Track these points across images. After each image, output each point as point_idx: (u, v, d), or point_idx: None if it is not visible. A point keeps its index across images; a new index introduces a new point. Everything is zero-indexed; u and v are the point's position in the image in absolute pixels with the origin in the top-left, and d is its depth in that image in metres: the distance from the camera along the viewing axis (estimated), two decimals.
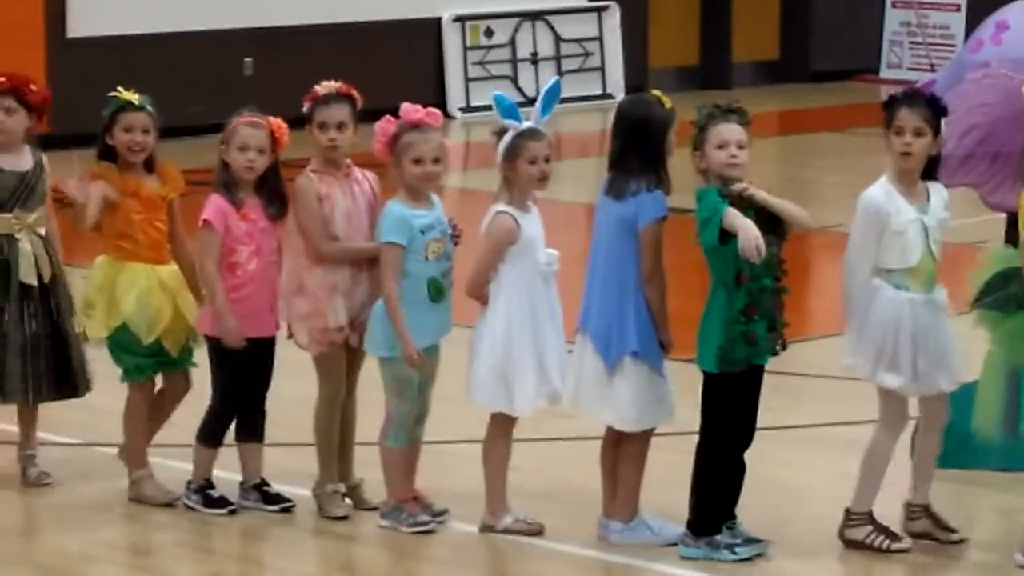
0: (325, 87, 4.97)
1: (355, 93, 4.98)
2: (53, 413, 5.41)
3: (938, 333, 4.66)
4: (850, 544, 4.70)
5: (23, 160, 5.15)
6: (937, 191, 4.66)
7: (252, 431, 4.95)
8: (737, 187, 4.44)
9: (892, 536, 4.79)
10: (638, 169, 4.64)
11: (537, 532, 4.75)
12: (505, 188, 4.76)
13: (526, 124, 4.81)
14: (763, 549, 4.74)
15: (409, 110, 4.85)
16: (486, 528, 4.77)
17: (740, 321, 4.46)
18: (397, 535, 4.85)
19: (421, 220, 4.81)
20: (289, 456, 5.26)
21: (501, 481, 4.78)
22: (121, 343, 4.95)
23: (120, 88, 5.10)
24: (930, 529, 4.73)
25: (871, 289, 4.71)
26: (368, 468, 5.05)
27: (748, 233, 4.43)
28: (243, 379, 4.93)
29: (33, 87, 5.19)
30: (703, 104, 4.81)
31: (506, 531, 4.78)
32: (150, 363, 4.99)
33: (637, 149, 4.70)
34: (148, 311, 4.96)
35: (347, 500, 4.97)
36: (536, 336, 4.77)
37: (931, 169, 4.68)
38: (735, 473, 4.65)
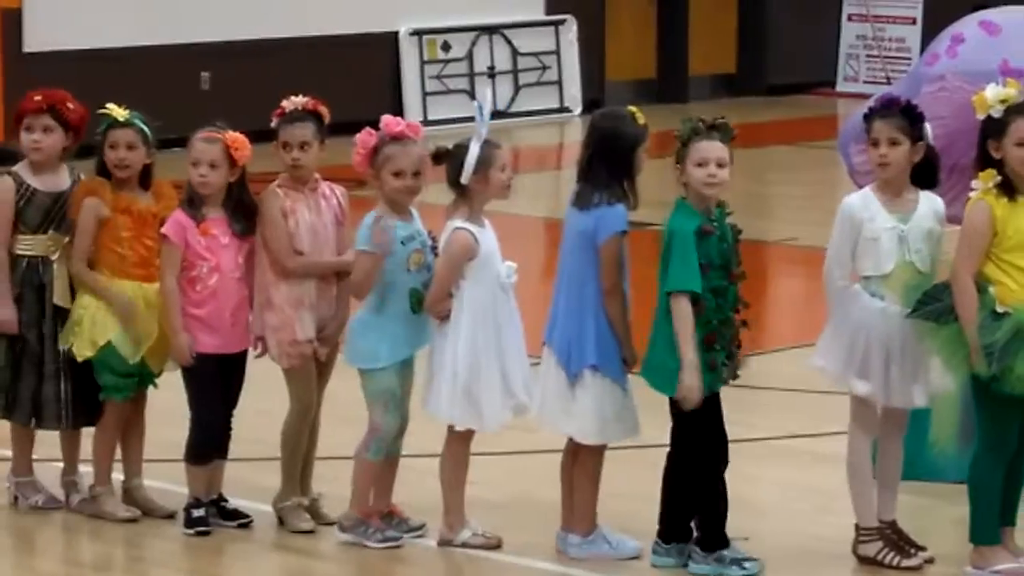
0: (291, 103, 4.98)
1: (322, 109, 4.99)
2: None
3: (915, 345, 4.68)
4: (863, 560, 4.78)
5: (60, 180, 5.08)
6: (928, 201, 4.69)
7: (214, 450, 4.96)
8: None
9: (903, 552, 4.84)
10: (604, 182, 4.68)
11: (495, 546, 4.77)
12: (462, 202, 4.77)
13: (484, 126, 4.85)
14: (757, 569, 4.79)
15: (390, 122, 4.87)
16: (444, 543, 4.79)
17: (702, 348, 4.52)
18: (356, 550, 4.85)
19: (402, 231, 4.85)
20: (245, 470, 5.27)
21: (459, 495, 4.81)
22: (105, 362, 4.93)
23: (110, 104, 5.06)
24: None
25: (848, 294, 4.76)
26: (325, 482, 5.10)
27: (690, 393, 4.53)
28: (211, 395, 4.93)
29: (70, 104, 5.11)
30: (687, 119, 4.85)
31: (464, 545, 4.79)
32: (130, 383, 4.98)
33: (605, 162, 4.74)
34: (134, 332, 4.95)
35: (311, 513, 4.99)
36: (500, 350, 4.80)
37: (930, 177, 4.72)
38: (716, 489, 4.72)
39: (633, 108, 4.95)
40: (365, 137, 4.83)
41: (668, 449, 4.74)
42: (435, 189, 5.04)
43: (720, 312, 4.69)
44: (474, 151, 4.72)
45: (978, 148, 4.67)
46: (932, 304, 4.68)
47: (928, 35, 10.79)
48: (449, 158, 4.79)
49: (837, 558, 4.96)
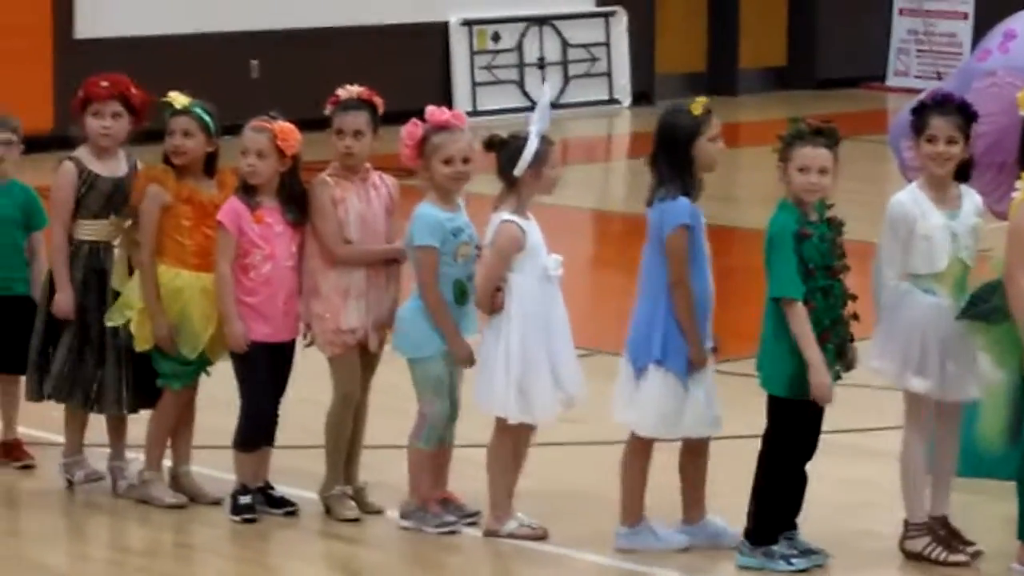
0: (346, 92, 5.08)
1: (376, 99, 5.08)
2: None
3: (967, 340, 4.77)
4: (910, 556, 4.84)
5: (119, 166, 5.21)
6: (970, 196, 4.76)
7: (263, 437, 5.08)
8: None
9: (951, 548, 4.88)
10: (667, 176, 4.79)
11: (541, 537, 4.84)
12: (510, 194, 4.85)
13: (539, 125, 4.95)
14: (821, 560, 4.84)
15: (435, 112, 4.97)
16: (490, 533, 4.87)
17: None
18: (402, 538, 4.97)
19: (452, 223, 4.94)
20: (293, 458, 5.38)
21: (505, 487, 4.90)
22: (164, 352, 5.07)
23: (172, 92, 5.18)
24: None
25: (900, 292, 4.82)
26: (373, 472, 5.20)
27: (821, 391, 4.66)
28: (262, 383, 5.04)
29: (134, 90, 5.23)
30: (793, 119, 4.95)
31: (511, 536, 4.87)
32: (189, 371, 5.11)
33: (665, 156, 4.85)
34: (192, 326, 5.07)
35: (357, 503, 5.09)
36: (549, 343, 4.89)
37: (964, 172, 4.78)
38: (797, 484, 4.79)
39: (698, 99, 5.01)
40: (412, 128, 4.91)
41: (762, 447, 4.85)
42: (482, 179, 5.14)
43: (831, 311, 4.79)
44: (532, 146, 4.80)
45: (1020, 147, 4.72)
46: (981, 305, 4.77)
47: (980, 30, 10.79)
48: (502, 148, 4.87)
49: (884, 553, 5.00)
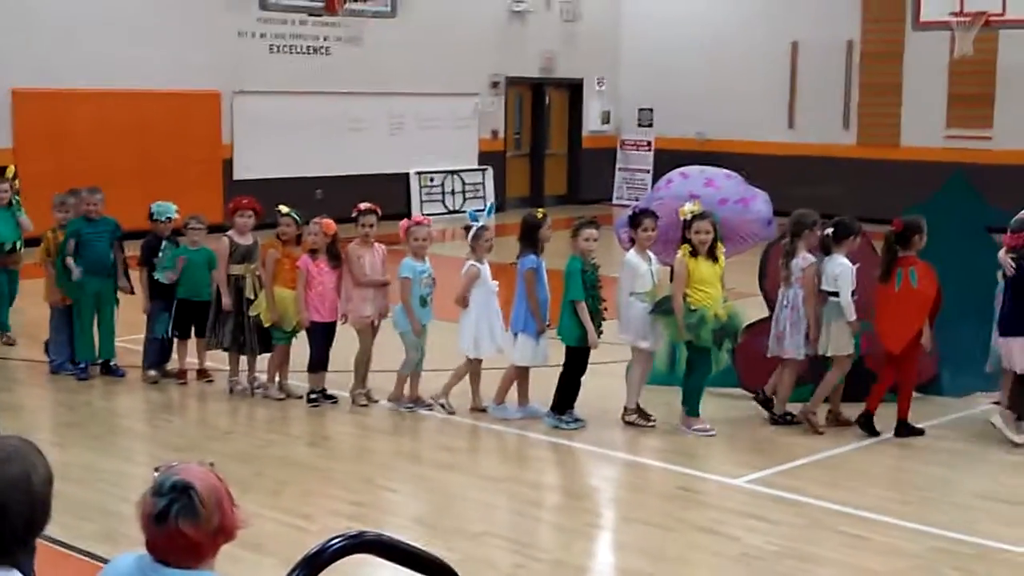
0: (364, 205, 9.09)
1: (378, 209, 9.12)
2: None
3: (656, 322, 8.37)
4: (628, 423, 8.55)
5: (249, 239, 9.23)
6: (653, 255, 8.52)
7: (323, 367, 9.11)
8: None
9: (645, 418, 8.57)
10: (526, 244, 8.42)
11: (452, 412, 8.78)
12: (472, 252, 8.71)
13: (480, 223, 8.57)
14: (583, 424, 8.25)
15: (416, 218, 8.90)
16: (436, 400, 8.80)
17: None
18: (390, 414, 8.82)
19: (420, 268, 8.75)
20: (341, 377, 9.23)
21: (452, 384, 8.78)
22: (276, 326, 9.01)
23: (281, 206, 9.19)
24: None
25: (628, 301, 8.33)
26: (378, 382, 9.06)
27: (592, 337, 8.15)
28: (320, 342, 9.03)
29: (256, 205, 9.42)
30: (580, 216, 8.58)
31: (442, 406, 8.75)
32: (287, 336, 9.10)
33: (526, 235, 8.46)
34: (288, 314, 8.96)
35: (369, 396, 9.07)
36: (490, 322, 8.59)
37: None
38: (576, 386, 8.30)
39: (540, 210, 8.55)
40: (404, 223, 8.92)
41: (562, 369, 8.37)
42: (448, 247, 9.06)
43: (594, 304, 8.34)
44: (473, 231, 8.58)
45: (682, 233, 8.40)
46: (660, 307, 8.47)
47: (655, 176, 18.24)
48: (467, 231, 8.61)
49: (616, 423, 8.65)
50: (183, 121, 18.47)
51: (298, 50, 20.03)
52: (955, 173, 10.69)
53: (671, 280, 8.47)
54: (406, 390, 9.03)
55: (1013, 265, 8.33)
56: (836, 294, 8.54)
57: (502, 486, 7.57)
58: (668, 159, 19.40)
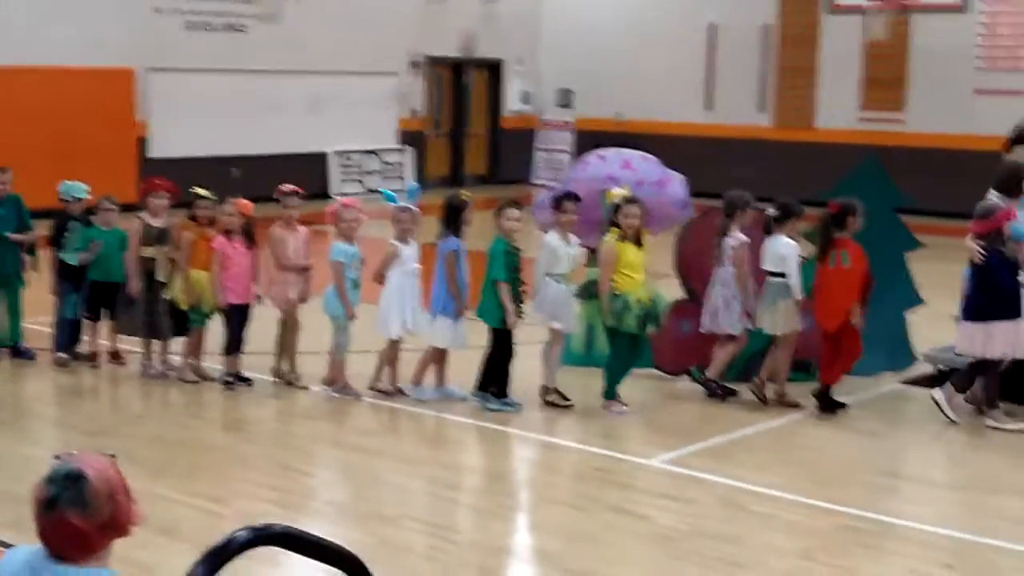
0: (287, 187, 9.05)
1: (301, 191, 9.09)
2: None
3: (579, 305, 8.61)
4: (547, 403, 8.61)
5: (165, 221, 9.13)
6: (574, 237, 8.56)
7: (238, 349, 9.08)
8: None
9: (563, 398, 8.53)
10: (448, 226, 8.37)
11: (392, 392, 8.76)
12: (395, 233, 8.67)
13: (401, 203, 8.53)
14: (512, 407, 8.26)
15: (344, 200, 8.86)
16: (371, 388, 8.75)
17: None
18: (321, 397, 8.76)
19: (351, 251, 8.67)
20: (261, 358, 9.23)
21: (383, 365, 8.76)
22: (193, 308, 8.94)
23: (197, 188, 9.11)
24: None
25: (546, 282, 8.35)
26: (307, 364, 9.02)
27: (511, 318, 8.18)
28: (236, 323, 9.01)
29: (170, 185, 9.31)
30: (504, 199, 8.53)
31: (377, 390, 8.70)
32: (202, 317, 9.06)
33: (448, 217, 8.40)
34: (206, 296, 8.91)
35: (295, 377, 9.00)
36: (402, 303, 8.53)
37: None
38: (505, 367, 8.33)
39: (464, 191, 8.50)
40: (332, 206, 8.82)
41: (486, 351, 8.37)
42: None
43: (515, 286, 8.26)
44: (392, 211, 8.59)
45: (610, 217, 8.23)
46: (586, 290, 8.65)
47: (576, 157, 17.92)
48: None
49: (537, 401, 8.77)
50: (96, 99, 18.22)
51: (215, 27, 19.76)
52: (867, 157, 10.83)
53: (589, 263, 8.58)
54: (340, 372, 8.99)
55: (982, 253, 8.36)
56: (780, 274, 8.69)
57: (420, 469, 7.60)
58: (588, 140, 19.47)
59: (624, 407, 8.55)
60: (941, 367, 9.53)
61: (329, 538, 2.78)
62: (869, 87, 21.32)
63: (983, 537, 6.50)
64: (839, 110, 21.46)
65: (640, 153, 9.94)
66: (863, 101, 21.38)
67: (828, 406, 8.77)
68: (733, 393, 9.01)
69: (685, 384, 9.37)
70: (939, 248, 11.05)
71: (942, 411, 8.54)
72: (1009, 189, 8.71)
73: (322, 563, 2.77)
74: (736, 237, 8.86)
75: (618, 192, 8.43)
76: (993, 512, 6.95)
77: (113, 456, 2.75)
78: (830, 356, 8.72)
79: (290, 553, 2.76)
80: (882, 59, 20.97)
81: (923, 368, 9.63)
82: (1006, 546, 6.40)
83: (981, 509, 7.04)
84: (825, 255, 8.62)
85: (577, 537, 6.41)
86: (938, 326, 9.42)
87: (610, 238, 8.26)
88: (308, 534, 2.73)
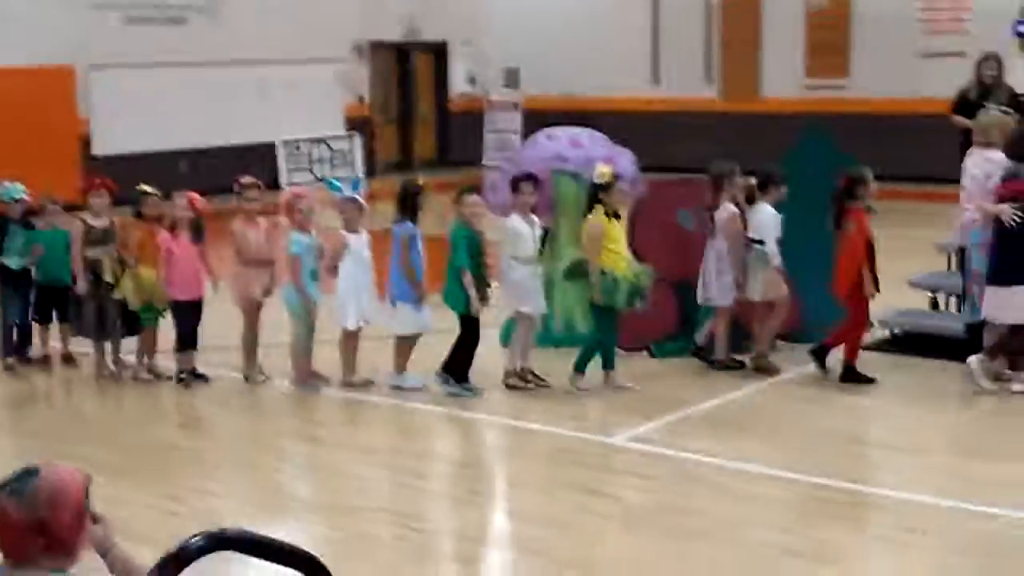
0: (247, 180, 8.82)
1: (259, 184, 8.89)
2: None
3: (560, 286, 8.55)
4: (509, 386, 8.58)
5: (105, 221, 8.92)
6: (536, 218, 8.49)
7: (191, 345, 8.95)
8: None
9: (541, 382, 8.45)
10: (403, 211, 8.25)
11: (368, 384, 8.54)
12: (343, 223, 8.56)
13: (348, 193, 8.40)
14: (473, 393, 8.17)
15: (295, 191, 8.76)
16: (345, 384, 8.57)
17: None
18: (287, 392, 8.60)
19: (308, 242, 8.51)
20: (223, 352, 9.11)
21: (345, 359, 8.61)
22: (144, 307, 8.75)
23: (143, 184, 8.91)
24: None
25: (511, 266, 8.32)
26: (269, 357, 8.84)
27: (475, 304, 7.99)
28: (186, 318, 8.84)
29: (110, 184, 9.06)
30: (461, 185, 8.42)
31: (349, 385, 8.52)
32: (154, 316, 8.92)
33: (403, 201, 8.31)
34: (158, 294, 8.73)
35: (263, 373, 8.78)
36: (357, 292, 8.45)
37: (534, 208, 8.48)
38: (471, 353, 8.15)
39: (421, 176, 8.29)
40: (285, 196, 8.70)
41: (457, 338, 8.33)
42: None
43: (478, 271, 8.11)
44: (337, 201, 8.45)
45: (592, 195, 8.14)
46: (576, 271, 8.43)
47: (525, 137, 16.99)
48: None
49: (500, 385, 8.65)
50: (36, 99, 17.82)
51: (156, 21, 19.44)
52: (809, 125, 10.77)
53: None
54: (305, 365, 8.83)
55: (1018, 216, 8.15)
56: (762, 242, 8.72)
57: (383, 458, 7.52)
58: (536, 119, 19.22)
59: (586, 386, 8.53)
60: (895, 331, 9.49)
61: (296, 533, 2.71)
62: (813, 54, 21.35)
63: (951, 500, 6.47)
64: (784, 78, 21.47)
65: (588, 130, 9.86)
66: (807, 68, 21.40)
67: (854, 379, 8.66)
68: (741, 366, 8.99)
69: (645, 360, 9.33)
70: (890, 213, 11.03)
71: (976, 380, 8.35)
72: (1022, 154, 8.51)
73: (280, 566, 2.68)
74: (726, 208, 8.84)
75: (606, 170, 8.33)
76: (963, 475, 6.93)
77: (88, 477, 2.73)
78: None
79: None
80: (825, 27, 20.99)
81: (878, 333, 9.63)
82: (976, 509, 6.36)
83: (954, 473, 7.00)
84: (839, 225, 8.56)
85: (544, 520, 6.35)
86: (890, 289, 9.40)
87: (596, 216, 8.19)
88: (264, 537, 2.65)
